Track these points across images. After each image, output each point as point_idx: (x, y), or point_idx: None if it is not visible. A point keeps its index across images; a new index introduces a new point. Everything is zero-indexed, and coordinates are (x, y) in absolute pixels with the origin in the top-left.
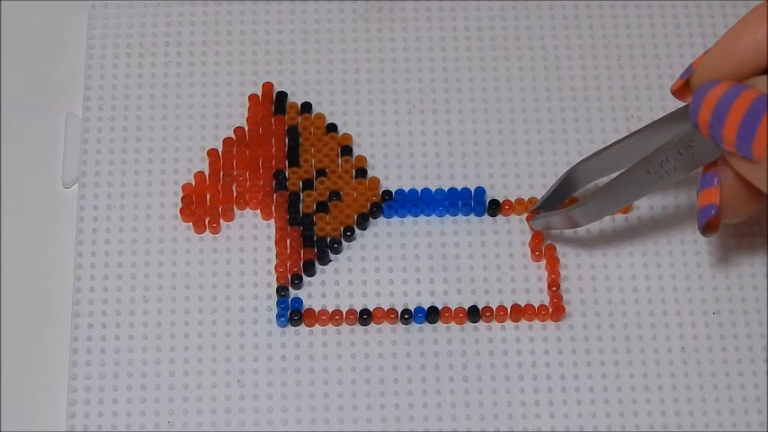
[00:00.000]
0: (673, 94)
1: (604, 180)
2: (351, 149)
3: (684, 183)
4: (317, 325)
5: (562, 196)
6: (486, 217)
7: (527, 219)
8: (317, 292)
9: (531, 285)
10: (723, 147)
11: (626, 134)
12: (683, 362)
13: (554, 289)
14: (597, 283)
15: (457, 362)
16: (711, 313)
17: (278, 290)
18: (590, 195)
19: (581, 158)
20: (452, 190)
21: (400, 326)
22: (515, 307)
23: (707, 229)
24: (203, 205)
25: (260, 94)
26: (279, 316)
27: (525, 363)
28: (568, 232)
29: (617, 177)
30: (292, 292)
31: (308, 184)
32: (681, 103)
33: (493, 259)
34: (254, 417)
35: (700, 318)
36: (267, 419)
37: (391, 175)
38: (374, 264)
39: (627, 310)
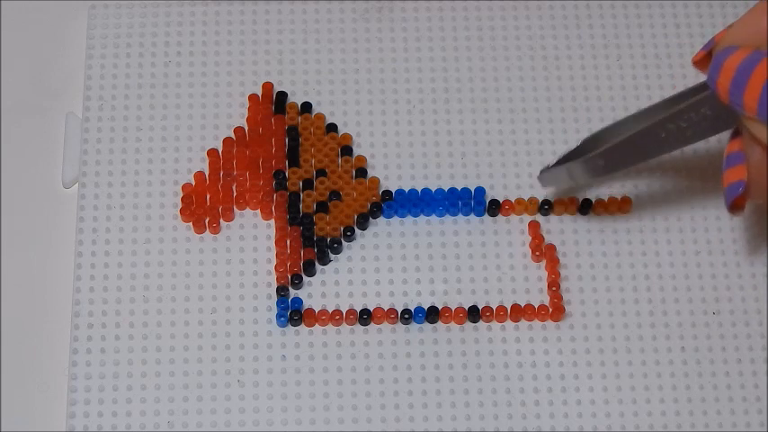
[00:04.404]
0: (694, 65)
1: None
2: (351, 149)
3: (686, 182)
4: (316, 325)
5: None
6: (486, 217)
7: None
8: (316, 292)
9: (531, 285)
10: (744, 112)
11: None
12: (682, 362)
13: (554, 289)
14: (597, 283)
15: (457, 362)
16: (711, 313)
17: (278, 290)
18: (596, 151)
19: (604, 125)
20: (452, 190)
21: (400, 326)
22: (515, 307)
23: (734, 207)
24: (203, 205)
25: (260, 94)
26: (279, 316)
27: (525, 363)
28: (569, 233)
29: (627, 138)
30: (292, 292)
31: (308, 184)
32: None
33: (493, 259)
34: (254, 417)
35: (700, 318)
36: (267, 419)
37: (391, 175)
38: (374, 264)
39: (627, 310)
